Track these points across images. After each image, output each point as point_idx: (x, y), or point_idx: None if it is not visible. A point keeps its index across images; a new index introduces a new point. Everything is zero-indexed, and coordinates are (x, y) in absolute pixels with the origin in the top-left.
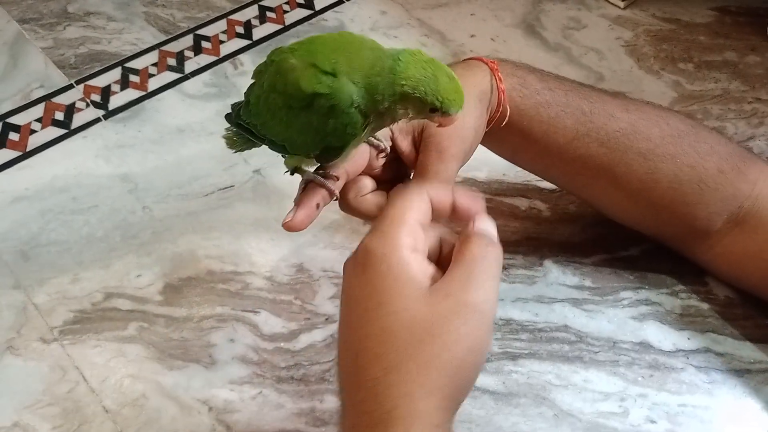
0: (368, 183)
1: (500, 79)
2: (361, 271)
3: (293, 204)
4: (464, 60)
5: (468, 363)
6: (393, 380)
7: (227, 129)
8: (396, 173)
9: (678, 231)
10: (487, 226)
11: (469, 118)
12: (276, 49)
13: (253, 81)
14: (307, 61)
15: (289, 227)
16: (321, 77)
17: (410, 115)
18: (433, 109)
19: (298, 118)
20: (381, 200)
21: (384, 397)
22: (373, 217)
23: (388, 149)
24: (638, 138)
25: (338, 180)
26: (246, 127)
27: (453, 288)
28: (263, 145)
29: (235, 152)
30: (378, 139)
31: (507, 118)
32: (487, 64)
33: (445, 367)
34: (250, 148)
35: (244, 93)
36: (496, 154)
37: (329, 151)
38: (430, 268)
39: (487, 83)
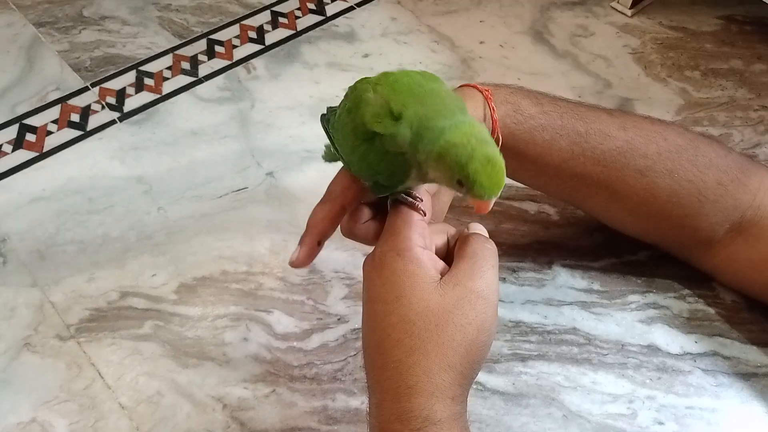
0: (366, 212)
1: (493, 109)
2: (379, 269)
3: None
4: (459, 87)
5: (479, 342)
6: (414, 360)
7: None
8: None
9: (680, 241)
10: (479, 228)
11: None
12: (363, 78)
13: (346, 95)
14: (383, 97)
15: (294, 265)
16: (385, 118)
17: (443, 181)
18: (460, 182)
19: (360, 148)
20: (378, 226)
21: (407, 374)
22: (370, 242)
23: (426, 213)
24: (635, 156)
25: (422, 200)
26: (329, 134)
27: (460, 278)
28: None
29: (327, 162)
30: (416, 198)
31: (499, 147)
32: (481, 92)
33: (460, 346)
34: (337, 160)
35: (340, 103)
36: None
37: (380, 186)
38: (439, 263)
39: (481, 113)
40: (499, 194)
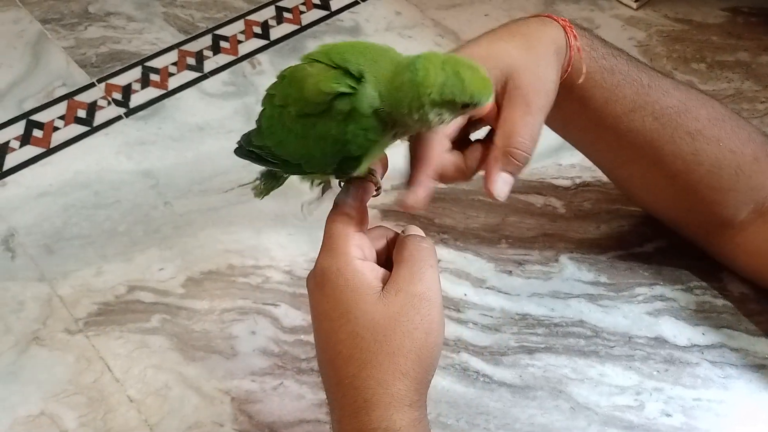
0: (446, 142)
1: (575, 36)
2: (321, 288)
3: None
4: (534, 15)
5: (428, 345)
6: (368, 374)
7: (254, 180)
8: (464, 133)
9: (704, 219)
10: (415, 230)
11: (552, 71)
12: (287, 68)
13: (262, 108)
14: (329, 65)
15: (414, 207)
16: (343, 78)
17: (444, 119)
18: (465, 105)
19: (314, 128)
20: (457, 159)
21: (362, 388)
22: (450, 178)
23: (381, 187)
24: (688, 117)
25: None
26: (258, 155)
27: (400, 284)
28: (283, 182)
29: (263, 198)
30: (374, 174)
31: (582, 77)
32: (557, 21)
33: (410, 352)
34: (275, 188)
35: (255, 121)
36: (545, 123)
37: (347, 162)
38: (380, 271)
39: (562, 39)
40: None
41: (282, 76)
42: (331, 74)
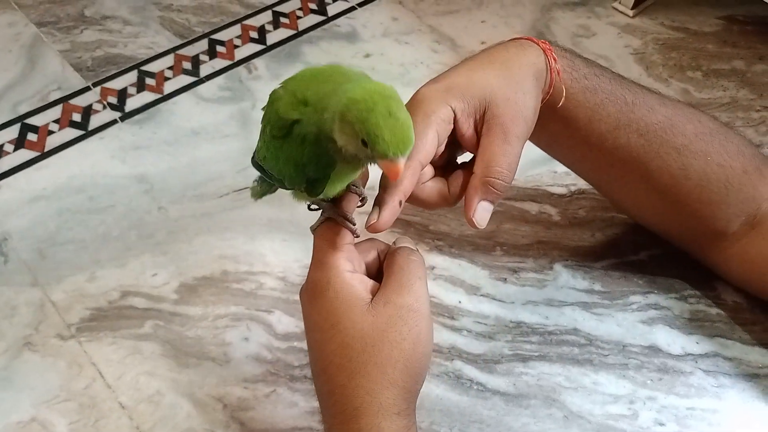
0: (428, 171)
1: (555, 59)
2: (313, 300)
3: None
4: (514, 39)
5: (417, 354)
6: (357, 383)
7: (254, 180)
8: (449, 158)
9: (696, 231)
10: (405, 242)
11: (530, 98)
12: (275, 89)
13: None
14: (289, 90)
15: (376, 228)
16: (296, 104)
17: (351, 146)
18: (365, 142)
19: (282, 149)
20: (441, 186)
21: (352, 397)
22: (434, 205)
23: (366, 197)
24: (674, 133)
25: (356, 225)
26: (261, 167)
27: (389, 296)
28: (279, 188)
29: (257, 200)
30: (356, 186)
31: (563, 99)
32: (537, 44)
33: (398, 362)
34: (268, 193)
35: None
36: (531, 142)
37: (313, 183)
38: (369, 283)
39: (542, 62)
40: (406, 153)
41: (268, 100)
42: (289, 100)
